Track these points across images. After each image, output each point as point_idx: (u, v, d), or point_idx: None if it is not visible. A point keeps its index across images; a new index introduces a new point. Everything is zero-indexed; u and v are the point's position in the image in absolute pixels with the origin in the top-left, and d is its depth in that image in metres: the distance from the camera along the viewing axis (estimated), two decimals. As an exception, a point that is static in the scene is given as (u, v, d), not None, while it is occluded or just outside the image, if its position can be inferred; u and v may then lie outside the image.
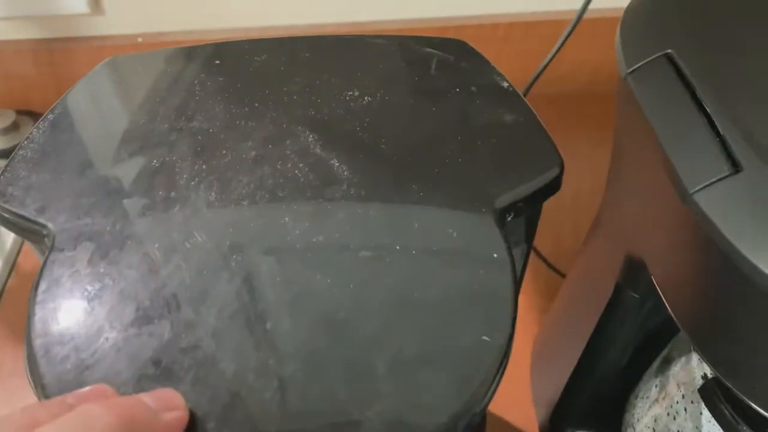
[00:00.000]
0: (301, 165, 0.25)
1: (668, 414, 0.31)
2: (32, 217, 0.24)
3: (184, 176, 0.25)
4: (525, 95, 0.51)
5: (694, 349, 0.30)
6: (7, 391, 0.45)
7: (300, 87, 0.29)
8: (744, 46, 0.24)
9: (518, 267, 0.27)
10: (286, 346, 0.20)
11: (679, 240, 0.24)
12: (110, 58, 0.32)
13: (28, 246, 0.54)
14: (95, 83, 0.30)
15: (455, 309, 0.21)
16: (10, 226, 0.24)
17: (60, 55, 0.60)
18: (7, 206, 0.24)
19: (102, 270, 0.22)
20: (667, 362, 0.33)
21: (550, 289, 0.52)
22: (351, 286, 0.22)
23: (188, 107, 0.28)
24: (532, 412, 0.45)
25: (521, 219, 0.25)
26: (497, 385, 0.20)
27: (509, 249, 0.23)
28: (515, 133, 0.27)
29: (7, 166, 0.26)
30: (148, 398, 0.18)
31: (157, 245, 0.23)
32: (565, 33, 0.46)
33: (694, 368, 0.30)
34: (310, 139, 0.26)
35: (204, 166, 0.25)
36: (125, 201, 0.24)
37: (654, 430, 0.32)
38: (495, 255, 0.22)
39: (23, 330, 0.22)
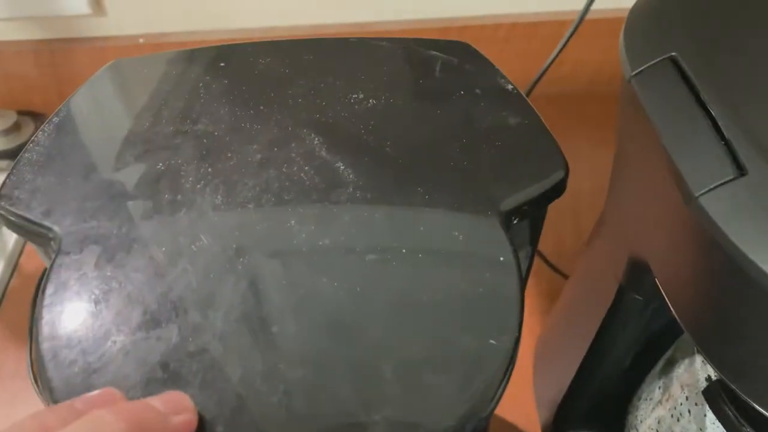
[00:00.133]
0: (306, 168, 0.25)
1: (672, 416, 0.31)
2: (38, 220, 0.24)
3: (190, 179, 0.25)
4: (527, 96, 0.51)
5: (698, 351, 0.30)
6: (9, 393, 0.45)
7: (305, 90, 0.29)
8: (749, 48, 0.24)
9: (523, 269, 0.27)
10: (293, 350, 0.20)
11: (684, 242, 0.24)
12: (113, 61, 0.32)
13: (30, 247, 0.54)
14: (99, 86, 0.30)
15: (462, 312, 0.21)
16: (17, 228, 0.24)
17: (61, 55, 0.60)
18: (13, 209, 0.24)
19: (109, 273, 0.22)
20: (671, 364, 0.33)
21: (552, 290, 0.52)
22: (357, 289, 0.22)
23: (193, 110, 0.28)
24: (534, 413, 0.45)
25: (526, 221, 0.25)
26: (504, 389, 0.20)
27: (515, 252, 0.23)
28: (520, 136, 0.27)
29: (12, 169, 0.26)
30: (157, 402, 0.19)
31: (163, 249, 0.23)
32: (567, 34, 0.46)
33: (697, 370, 0.30)
34: (315, 142, 0.26)
35: (209, 170, 0.25)
36: (131, 204, 0.24)
37: (657, 431, 0.32)
38: (501, 258, 0.22)
39: (25, 332, 0.22)
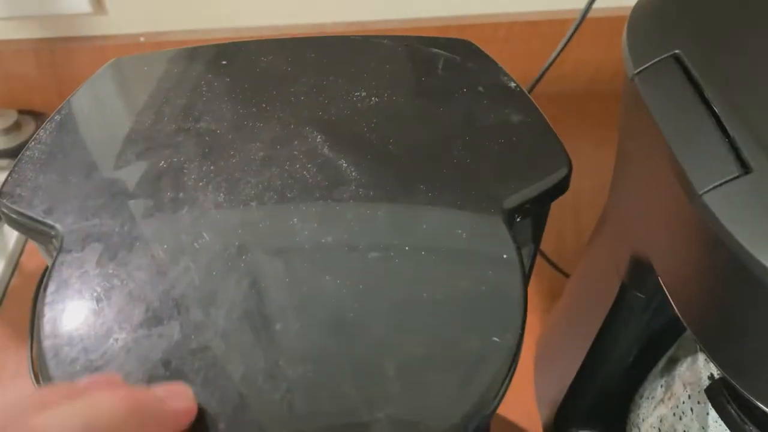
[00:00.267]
0: (309, 166, 0.25)
1: (674, 414, 0.31)
2: (40, 218, 0.24)
3: (192, 177, 0.25)
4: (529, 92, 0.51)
5: (701, 349, 0.30)
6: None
7: (307, 88, 0.29)
8: (752, 46, 0.24)
9: (526, 267, 0.27)
10: (295, 348, 0.20)
11: (687, 240, 0.24)
12: (114, 59, 0.31)
13: (31, 246, 0.54)
14: (100, 84, 0.30)
15: (465, 310, 0.21)
16: (18, 226, 0.24)
17: (62, 54, 0.60)
18: (15, 207, 0.24)
19: (111, 271, 0.22)
20: (673, 362, 0.33)
21: (554, 288, 0.52)
22: (360, 287, 0.22)
23: (195, 108, 0.28)
24: (535, 412, 0.45)
25: (529, 219, 0.25)
26: (507, 387, 0.20)
27: (518, 249, 0.23)
28: (523, 134, 0.27)
29: (14, 167, 0.26)
30: (158, 389, 0.19)
31: (165, 246, 0.23)
32: (569, 32, 0.46)
33: (700, 368, 0.30)
34: (318, 140, 0.26)
35: (212, 167, 0.25)
36: (133, 202, 0.24)
37: (659, 430, 0.32)
38: (504, 256, 0.22)
39: (26, 330, 0.22)
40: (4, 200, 0.24)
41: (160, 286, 0.21)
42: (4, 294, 0.51)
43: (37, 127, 0.49)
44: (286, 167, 0.25)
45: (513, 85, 0.29)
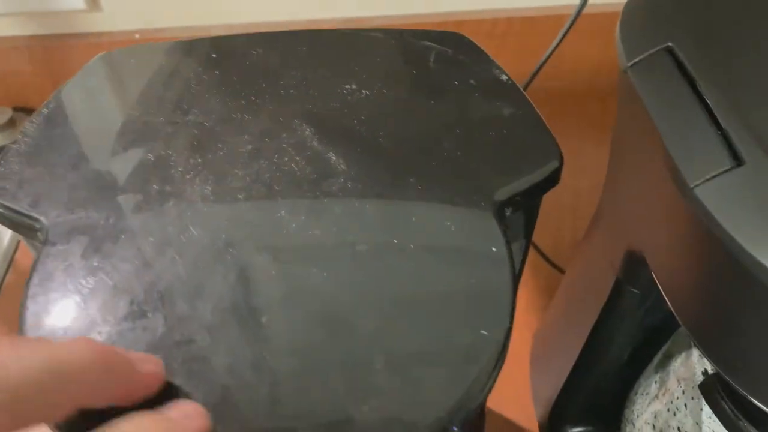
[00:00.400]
0: (297, 158, 0.25)
1: (668, 410, 0.31)
2: (25, 211, 0.23)
3: (179, 170, 0.25)
4: (524, 91, 0.51)
5: (695, 345, 0.30)
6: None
7: (297, 81, 0.28)
8: (745, 38, 0.24)
9: (517, 262, 0.27)
10: (281, 342, 0.20)
11: (680, 234, 0.24)
12: (104, 53, 0.31)
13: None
14: (89, 77, 0.30)
15: (452, 303, 0.21)
16: (3, 220, 0.24)
17: (56, 51, 0.60)
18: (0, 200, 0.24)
19: (95, 264, 0.22)
20: (668, 358, 0.33)
21: (551, 286, 0.52)
22: (347, 280, 0.21)
23: (183, 101, 0.28)
24: (531, 409, 0.45)
25: (520, 213, 0.25)
26: (495, 380, 0.20)
27: (508, 243, 0.22)
28: (514, 126, 0.26)
29: (0, 160, 0.25)
30: (129, 352, 0.19)
31: (151, 239, 0.22)
32: (564, 28, 0.46)
33: (694, 364, 0.30)
34: (307, 133, 0.26)
35: (199, 160, 0.25)
36: (119, 195, 0.24)
37: (654, 426, 0.32)
38: (493, 249, 0.22)
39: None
40: None
41: (145, 278, 0.21)
42: (-2, 291, 0.51)
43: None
44: (275, 160, 0.25)
45: (505, 77, 0.29)
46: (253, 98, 0.28)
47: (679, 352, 0.32)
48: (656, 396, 0.32)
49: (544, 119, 0.27)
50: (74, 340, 0.17)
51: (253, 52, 0.30)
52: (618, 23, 0.28)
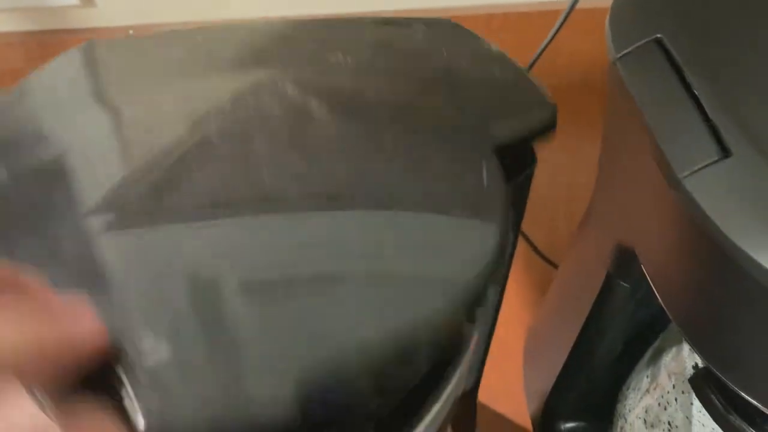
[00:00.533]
0: (279, 103, 0.24)
1: (659, 404, 0.31)
2: None
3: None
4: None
5: (685, 339, 0.30)
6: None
7: (280, 56, 0.28)
8: (735, 30, 0.24)
9: (506, 255, 0.27)
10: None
11: (669, 227, 0.24)
12: (87, 42, 0.31)
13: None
14: (57, 68, 0.29)
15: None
16: None
17: (51, 47, 0.60)
18: None
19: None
20: (659, 352, 0.33)
21: (545, 282, 0.52)
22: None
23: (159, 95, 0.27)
24: (524, 405, 0.45)
25: (508, 205, 0.25)
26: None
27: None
28: (506, 85, 0.26)
29: None
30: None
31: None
32: (557, 23, 0.46)
33: (685, 358, 0.30)
34: (289, 89, 0.25)
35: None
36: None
37: (645, 420, 0.32)
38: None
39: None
40: None
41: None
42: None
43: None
44: (254, 109, 0.24)
45: (494, 49, 0.28)
46: (236, 75, 0.27)
47: (671, 347, 0.31)
48: (648, 390, 0.32)
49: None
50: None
51: (244, 39, 0.30)
52: (608, 15, 0.28)
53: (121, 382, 0.17)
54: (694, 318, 0.24)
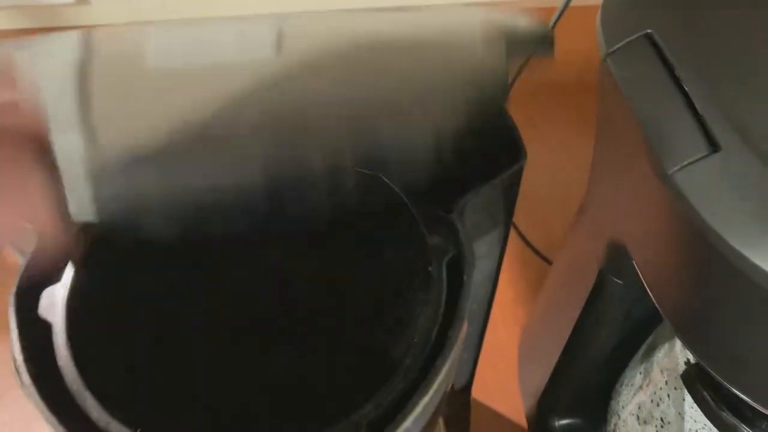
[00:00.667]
0: None
1: (652, 400, 0.31)
2: None
3: None
4: (512, 84, 0.51)
5: (676, 335, 0.30)
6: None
7: None
8: (724, 25, 0.24)
9: (498, 250, 0.27)
10: None
11: (659, 223, 0.24)
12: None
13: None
14: None
15: None
16: None
17: (46, 45, 0.60)
18: None
19: None
20: (652, 348, 0.32)
21: (540, 278, 0.52)
22: None
23: None
24: (519, 402, 0.45)
25: (500, 201, 0.25)
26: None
27: None
28: None
29: None
30: None
31: None
32: (552, 20, 0.46)
33: (677, 354, 0.29)
34: None
35: None
36: None
37: (638, 417, 0.32)
38: None
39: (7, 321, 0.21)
40: None
41: None
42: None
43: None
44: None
45: None
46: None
47: (663, 343, 0.31)
48: (641, 387, 0.32)
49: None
50: None
51: None
52: (599, 11, 0.28)
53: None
54: (685, 314, 0.24)
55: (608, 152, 0.30)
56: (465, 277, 0.21)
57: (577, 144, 0.58)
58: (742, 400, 0.23)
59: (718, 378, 0.23)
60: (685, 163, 0.21)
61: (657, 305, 0.25)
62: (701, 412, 0.27)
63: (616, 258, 0.30)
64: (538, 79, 0.56)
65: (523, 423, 0.44)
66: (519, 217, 0.52)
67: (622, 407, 0.34)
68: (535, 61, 0.28)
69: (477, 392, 0.38)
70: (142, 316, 0.21)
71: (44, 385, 0.18)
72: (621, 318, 0.33)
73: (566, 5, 0.44)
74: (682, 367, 0.29)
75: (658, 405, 0.30)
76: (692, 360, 0.28)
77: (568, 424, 0.40)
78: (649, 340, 0.33)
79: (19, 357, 0.18)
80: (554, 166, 0.58)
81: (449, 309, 0.21)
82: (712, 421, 0.27)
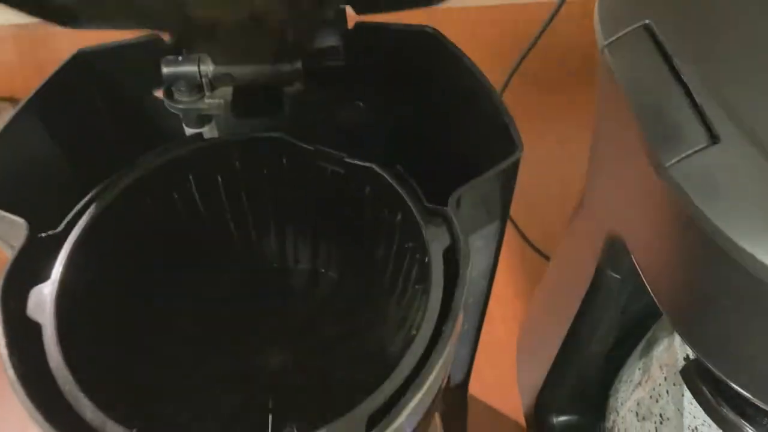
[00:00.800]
0: None
1: (651, 397, 0.30)
2: None
3: None
4: (510, 77, 0.50)
5: (674, 330, 0.29)
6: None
7: None
8: (723, 17, 0.24)
9: (494, 244, 0.27)
10: None
11: (657, 216, 0.23)
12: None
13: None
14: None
15: None
16: None
17: (42, 40, 0.59)
18: None
19: None
20: (651, 344, 0.32)
21: (538, 274, 0.52)
22: None
23: None
24: (517, 399, 0.44)
25: (496, 195, 0.24)
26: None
27: None
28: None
29: None
30: None
31: None
32: (549, 15, 0.46)
33: (676, 349, 0.29)
34: None
35: None
36: None
37: (637, 413, 0.31)
38: None
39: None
40: None
41: None
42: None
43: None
44: None
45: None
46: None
47: (662, 339, 0.31)
48: (640, 383, 0.32)
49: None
50: None
51: None
52: (597, 3, 0.27)
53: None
54: (683, 307, 0.24)
55: (606, 144, 0.30)
56: (461, 271, 0.20)
57: (576, 137, 0.58)
58: (741, 395, 0.23)
59: (718, 373, 0.23)
60: (684, 155, 0.21)
61: (655, 299, 0.25)
62: (700, 408, 0.27)
63: (615, 253, 0.30)
64: (538, 73, 0.56)
65: (521, 420, 0.43)
66: (517, 213, 0.51)
67: (621, 403, 0.33)
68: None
69: (474, 388, 0.38)
70: (134, 315, 0.21)
71: (34, 387, 0.18)
72: (619, 313, 0.33)
73: (563, 1, 0.44)
74: (681, 363, 0.28)
75: (657, 401, 0.30)
76: (691, 355, 0.28)
77: (566, 421, 0.40)
78: (647, 336, 0.33)
79: (4, 351, 0.18)
80: (552, 161, 0.57)
81: (445, 303, 0.20)
82: (711, 417, 0.26)
